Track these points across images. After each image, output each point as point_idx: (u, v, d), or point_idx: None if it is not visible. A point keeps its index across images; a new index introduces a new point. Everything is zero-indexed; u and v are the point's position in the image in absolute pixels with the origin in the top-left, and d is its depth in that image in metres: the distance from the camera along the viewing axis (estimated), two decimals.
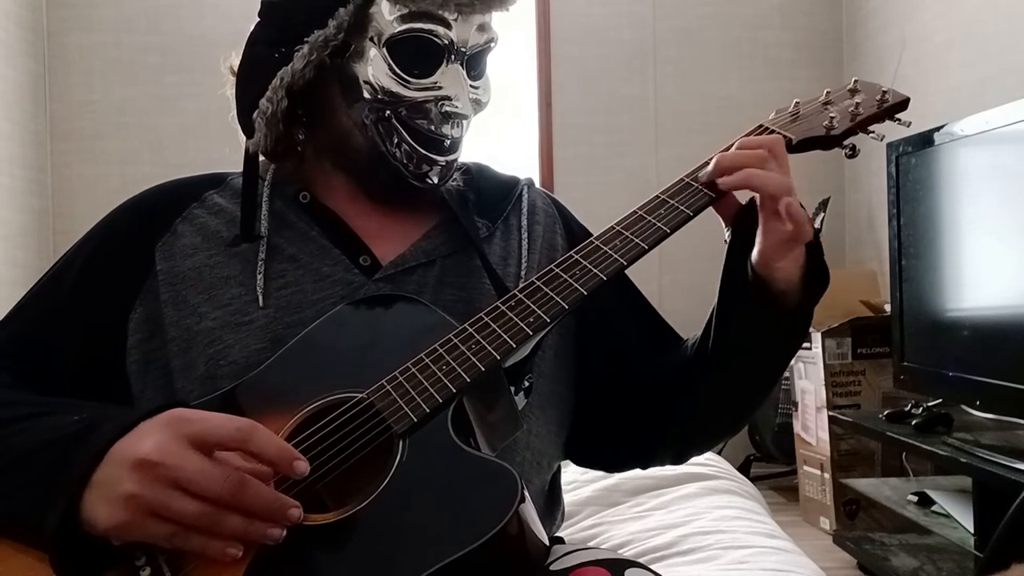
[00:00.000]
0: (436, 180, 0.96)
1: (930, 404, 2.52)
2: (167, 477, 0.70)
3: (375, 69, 0.92)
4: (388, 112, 0.92)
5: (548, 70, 3.95)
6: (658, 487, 1.77)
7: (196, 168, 1.07)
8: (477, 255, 0.96)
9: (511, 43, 3.85)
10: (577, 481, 1.83)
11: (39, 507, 0.73)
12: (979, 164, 2.37)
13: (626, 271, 0.87)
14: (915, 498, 2.47)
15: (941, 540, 2.33)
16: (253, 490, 0.71)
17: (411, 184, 0.95)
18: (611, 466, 1.12)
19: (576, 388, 1.01)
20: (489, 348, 0.81)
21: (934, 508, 2.41)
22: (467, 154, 1.00)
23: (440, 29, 0.92)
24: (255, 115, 0.93)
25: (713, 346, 0.94)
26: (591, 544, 1.14)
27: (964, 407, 2.52)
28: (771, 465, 3.76)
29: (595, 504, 1.74)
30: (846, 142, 0.95)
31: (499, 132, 3.82)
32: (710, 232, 0.91)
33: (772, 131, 0.94)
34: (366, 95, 0.92)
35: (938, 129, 2.46)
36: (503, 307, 0.84)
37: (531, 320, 0.82)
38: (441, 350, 0.82)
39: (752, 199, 0.88)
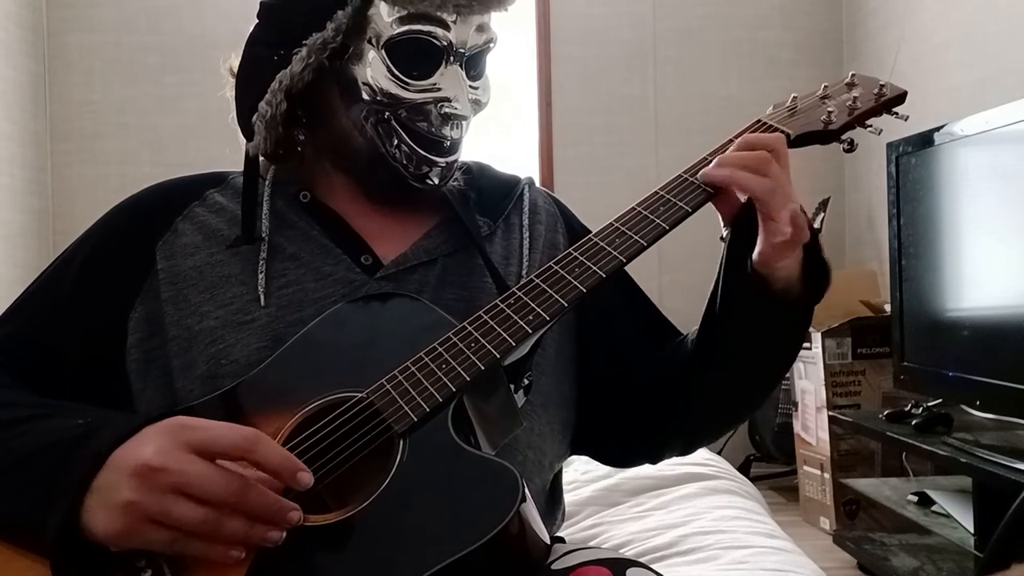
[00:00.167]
0: (436, 181, 0.95)
1: (930, 404, 2.52)
2: (168, 483, 0.70)
3: (374, 71, 0.92)
4: (387, 114, 0.92)
5: (548, 70, 3.95)
6: (658, 487, 1.77)
7: (196, 168, 1.07)
8: (479, 254, 0.96)
9: (511, 43, 3.85)
10: (577, 481, 1.83)
11: (39, 510, 0.73)
12: (979, 164, 2.37)
13: (625, 269, 0.87)
14: (915, 498, 2.47)
15: (941, 540, 2.33)
16: (255, 493, 0.71)
17: (411, 185, 0.95)
18: (619, 462, 1.12)
19: (578, 386, 1.02)
20: (489, 346, 0.81)
21: (934, 508, 2.41)
22: (467, 154, 1.00)
23: (439, 30, 0.91)
24: (255, 118, 0.93)
25: (714, 344, 0.94)
26: (591, 544, 1.14)
27: (964, 407, 2.52)
28: (771, 465, 3.76)
29: (595, 504, 1.74)
30: (844, 136, 0.95)
31: (499, 132, 3.82)
32: (710, 231, 0.91)
33: (770, 126, 0.94)
34: (365, 97, 0.92)
35: (938, 129, 2.46)
36: (502, 305, 0.84)
37: (531, 318, 0.82)
38: (441, 349, 0.81)
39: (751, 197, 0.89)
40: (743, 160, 0.87)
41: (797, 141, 0.93)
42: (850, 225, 3.95)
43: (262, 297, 0.91)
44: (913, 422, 2.46)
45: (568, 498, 1.59)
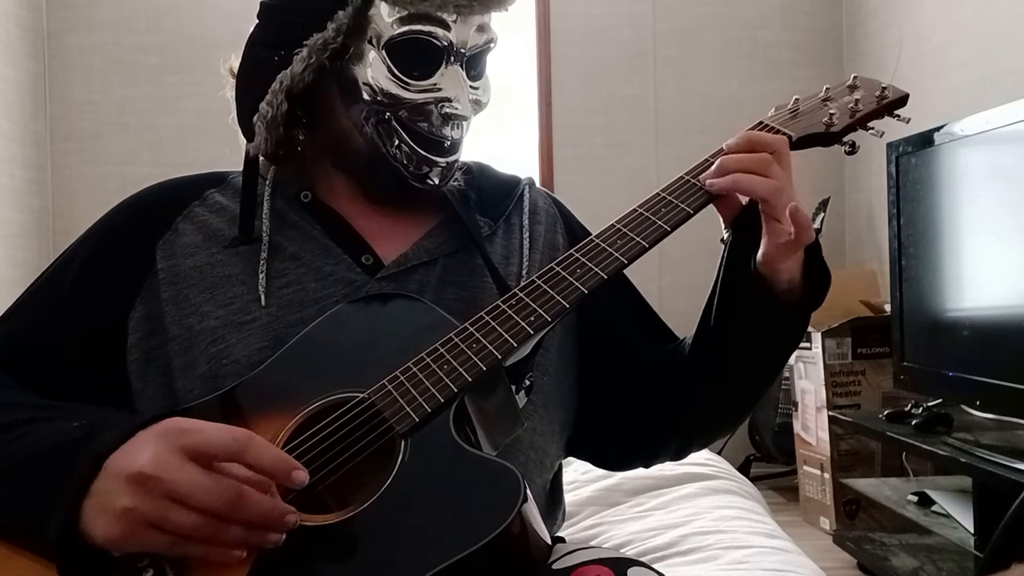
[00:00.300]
0: (437, 181, 0.95)
1: (930, 404, 2.52)
2: (163, 491, 0.70)
3: (374, 71, 0.92)
4: (388, 114, 0.92)
5: (548, 70, 3.95)
6: (658, 487, 1.77)
7: (196, 168, 1.07)
8: (479, 254, 0.96)
9: (511, 43, 3.85)
10: (577, 481, 1.83)
11: (40, 512, 0.73)
12: (979, 164, 2.37)
13: (626, 270, 0.87)
14: (915, 498, 2.47)
15: (941, 540, 2.33)
16: (249, 501, 0.70)
17: (411, 185, 0.95)
18: (613, 464, 1.12)
19: (580, 386, 1.02)
20: (490, 347, 0.81)
21: (934, 508, 2.41)
22: (468, 154, 1.00)
23: (439, 31, 0.91)
24: (255, 119, 0.93)
25: (712, 344, 0.94)
26: (592, 544, 1.14)
27: (964, 407, 2.52)
28: (771, 465, 3.76)
29: (595, 504, 1.74)
30: (846, 139, 0.95)
31: (499, 132, 3.82)
32: (710, 232, 0.91)
33: (772, 128, 0.94)
34: (365, 97, 0.92)
35: (938, 129, 2.46)
36: (504, 306, 0.84)
37: (532, 319, 0.82)
38: (442, 349, 0.81)
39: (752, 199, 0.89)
40: (744, 163, 0.87)
41: (799, 143, 0.94)
42: (850, 225, 3.95)
43: (263, 297, 0.91)
44: (913, 422, 2.46)
45: (568, 498, 1.58)
